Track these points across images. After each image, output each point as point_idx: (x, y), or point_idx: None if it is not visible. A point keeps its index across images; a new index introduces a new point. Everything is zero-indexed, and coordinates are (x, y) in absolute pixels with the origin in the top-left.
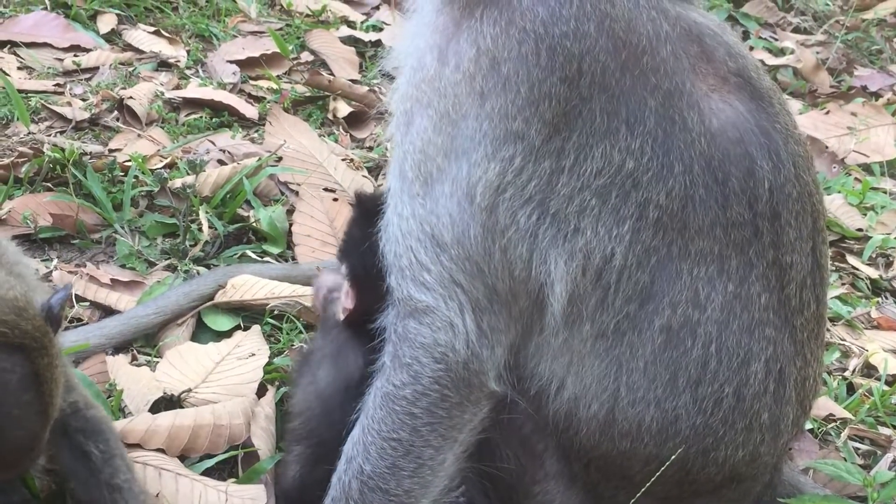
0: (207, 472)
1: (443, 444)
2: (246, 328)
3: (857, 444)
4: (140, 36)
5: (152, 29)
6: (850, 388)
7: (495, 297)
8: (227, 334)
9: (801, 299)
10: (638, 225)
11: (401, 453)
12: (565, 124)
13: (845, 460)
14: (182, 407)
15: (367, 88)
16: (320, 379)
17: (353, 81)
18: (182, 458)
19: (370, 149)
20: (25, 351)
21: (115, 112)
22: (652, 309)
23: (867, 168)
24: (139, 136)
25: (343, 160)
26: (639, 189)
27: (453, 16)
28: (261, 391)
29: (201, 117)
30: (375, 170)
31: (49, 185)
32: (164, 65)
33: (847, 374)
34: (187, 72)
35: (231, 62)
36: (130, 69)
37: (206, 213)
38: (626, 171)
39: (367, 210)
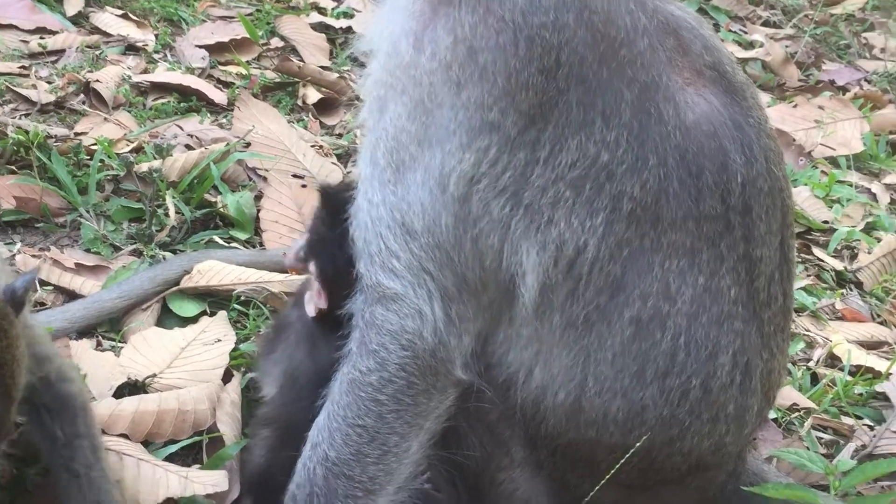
0: (172, 458)
1: (408, 432)
2: (212, 314)
3: (821, 434)
4: (107, 19)
5: (120, 12)
6: (815, 379)
7: (465, 285)
8: (193, 320)
9: (769, 293)
10: (611, 217)
11: (366, 440)
12: (541, 115)
13: (808, 449)
14: (147, 392)
15: (337, 75)
16: (291, 361)
17: (324, 68)
18: (146, 443)
19: (339, 135)
20: None
21: (82, 95)
22: (622, 300)
23: (833, 161)
24: (106, 119)
25: (312, 146)
26: (613, 181)
27: (430, 1)
28: (227, 377)
29: (169, 102)
30: (345, 157)
31: (13, 167)
32: (131, 48)
33: (811, 364)
34: (155, 56)
35: (200, 47)
36: (97, 52)
37: (173, 197)
38: (600, 163)
39: (333, 205)
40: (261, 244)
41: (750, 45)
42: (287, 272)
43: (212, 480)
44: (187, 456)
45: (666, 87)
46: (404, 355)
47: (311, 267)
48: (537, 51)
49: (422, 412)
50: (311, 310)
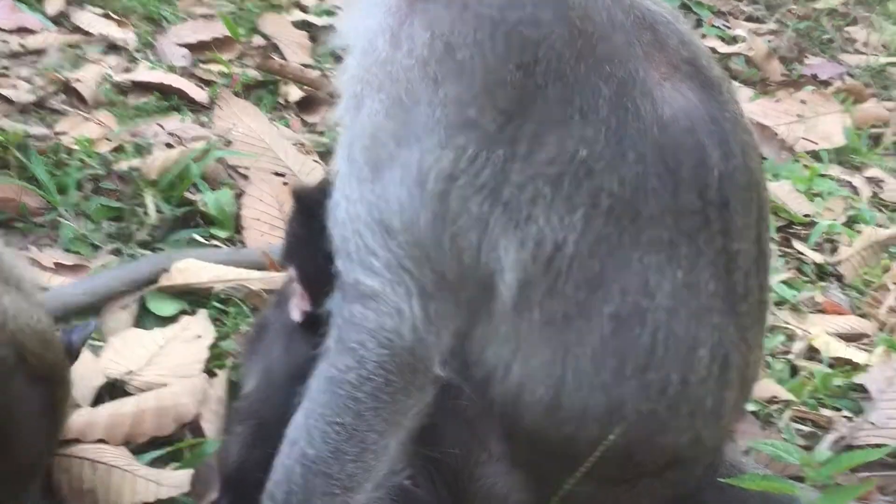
0: (158, 461)
1: (387, 429)
2: (192, 313)
3: (800, 426)
4: (88, 18)
5: (101, 11)
6: (794, 371)
7: (443, 283)
8: (173, 319)
9: (746, 286)
10: (590, 213)
11: (344, 438)
12: (520, 112)
13: (787, 441)
14: (126, 391)
15: (319, 73)
16: (270, 358)
17: (306, 66)
18: (129, 444)
19: (321, 133)
20: (47, 382)
21: (62, 95)
22: (601, 296)
23: (815, 155)
24: (86, 119)
25: (294, 144)
26: (592, 177)
27: None
28: (212, 375)
29: (150, 101)
30: (327, 154)
31: None
32: (112, 47)
33: (791, 356)
34: (136, 55)
35: (181, 45)
36: (78, 52)
37: (153, 196)
38: (578, 159)
39: (308, 206)
40: (241, 242)
41: (733, 40)
42: (267, 269)
43: (175, 482)
44: (176, 459)
45: (643, 83)
46: (383, 353)
47: (291, 270)
48: (515, 47)
49: (400, 410)
50: (296, 315)
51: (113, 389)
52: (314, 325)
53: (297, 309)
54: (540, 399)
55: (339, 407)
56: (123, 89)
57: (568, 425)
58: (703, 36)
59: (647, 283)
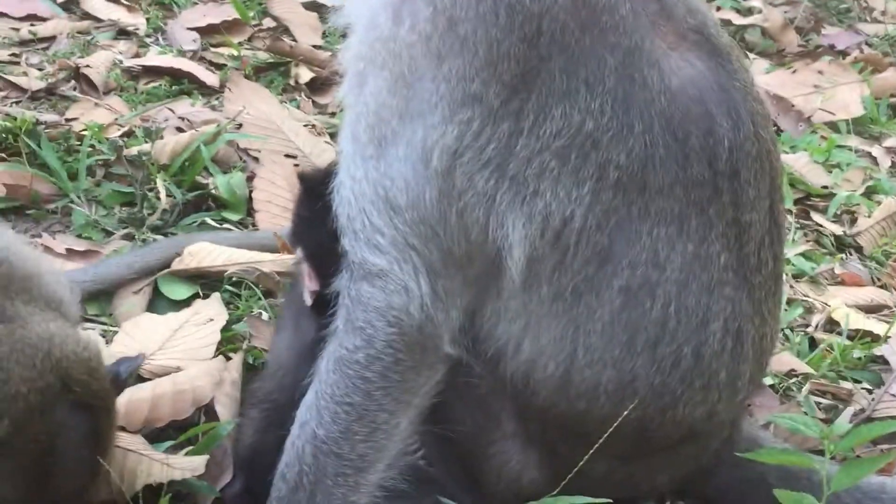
0: (173, 449)
1: (397, 408)
2: (205, 296)
3: (819, 399)
4: (98, 4)
5: None
6: (812, 344)
7: (451, 260)
8: (186, 303)
9: (759, 258)
10: (598, 186)
11: (354, 417)
12: (524, 85)
13: (806, 414)
14: (140, 376)
15: (329, 54)
16: (280, 341)
17: (316, 47)
18: (147, 428)
19: (332, 114)
20: (92, 410)
21: (73, 81)
22: (611, 270)
23: (833, 126)
24: (97, 105)
25: (305, 126)
26: (598, 150)
27: None
28: (227, 359)
29: (160, 85)
30: (338, 136)
31: (2, 155)
32: (122, 33)
33: (809, 329)
34: (146, 39)
35: (191, 29)
36: (88, 38)
37: (164, 180)
38: (585, 131)
39: (313, 188)
40: (253, 225)
41: (748, 12)
42: (279, 251)
43: (191, 465)
44: (191, 443)
45: (650, 52)
46: (391, 332)
47: (299, 252)
48: (518, 19)
49: (410, 388)
50: (307, 297)
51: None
52: (323, 306)
53: (306, 290)
54: (551, 375)
55: (349, 387)
56: (134, 74)
57: (580, 401)
58: (718, 8)
59: (657, 256)
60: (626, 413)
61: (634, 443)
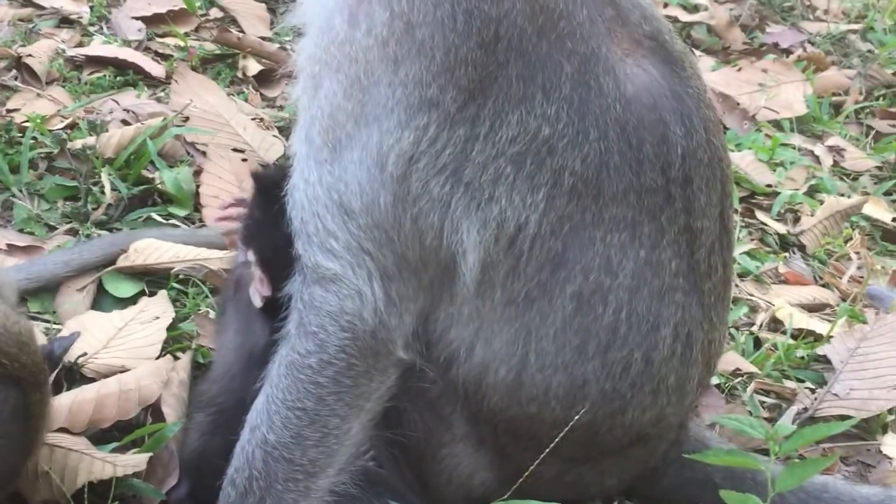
0: (118, 450)
1: (349, 413)
2: (151, 294)
3: (763, 398)
4: None
5: None
6: (757, 343)
7: (405, 265)
8: (132, 301)
9: (709, 264)
10: (553, 192)
11: (306, 423)
12: (481, 91)
13: (751, 414)
14: (83, 376)
15: (277, 46)
16: (226, 343)
17: (264, 39)
18: (91, 430)
19: (281, 108)
20: (21, 384)
21: (14, 71)
22: (563, 276)
23: (777, 124)
24: (39, 95)
25: (253, 119)
26: (554, 156)
27: None
28: (175, 358)
29: (105, 76)
30: (286, 129)
31: None
32: (65, 21)
33: (754, 328)
34: (90, 28)
35: (136, 18)
36: (30, 26)
37: (109, 174)
38: (541, 137)
39: (266, 188)
40: (200, 220)
41: (695, 9)
42: (227, 248)
43: (133, 462)
44: (136, 445)
45: (606, 59)
46: (344, 337)
47: (250, 255)
48: (476, 24)
49: (362, 394)
50: (256, 300)
51: (69, 374)
52: (272, 308)
53: (257, 294)
54: (503, 379)
55: (301, 392)
56: (77, 64)
57: (531, 405)
58: (666, 5)
59: (610, 262)
60: (577, 418)
61: (584, 446)
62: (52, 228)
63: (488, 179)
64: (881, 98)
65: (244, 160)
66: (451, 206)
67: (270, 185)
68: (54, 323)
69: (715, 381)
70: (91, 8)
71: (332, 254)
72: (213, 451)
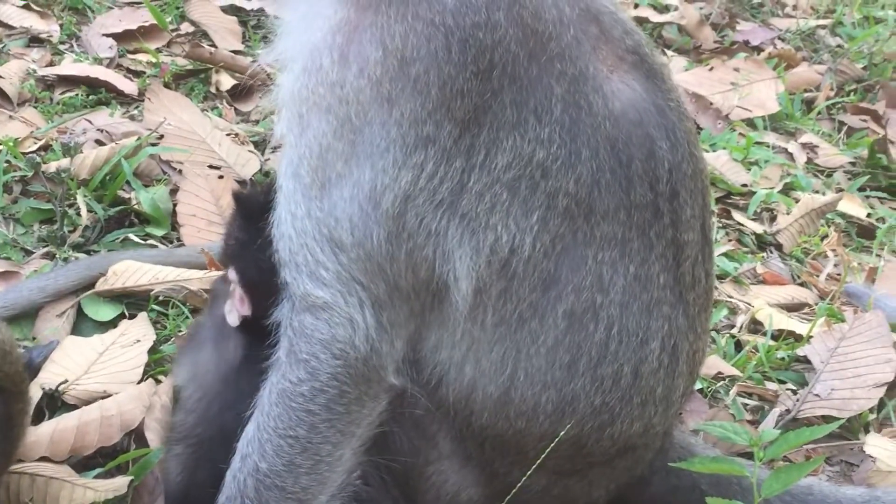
0: (101, 476)
1: (341, 440)
2: (131, 316)
3: (746, 401)
4: (8, 10)
5: (22, 2)
6: (738, 346)
7: (396, 293)
8: (112, 324)
9: (693, 275)
10: (547, 214)
11: (298, 450)
12: (475, 120)
13: (734, 417)
14: (64, 402)
15: (250, 60)
16: (198, 365)
17: (237, 53)
18: (74, 457)
19: (256, 122)
20: (3, 393)
21: None
22: (555, 295)
23: (751, 123)
24: (11, 117)
25: (228, 135)
26: (548, 178)
27: (355, 9)
28: (157, 382)
29: (77, 95)
30: (261, 144)
31: None
32: (35, 40)
33: (734, 331)
34: (61, 47)
35: (107, 35)
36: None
37: (85, 196)
38: (535, 161)
39: (248, 209)
40: (178, 240)
41: (665, 9)
42: (206, 268)
43: (113, 486)
44: (121, 472)
45: (594, 78)
46: (336, 364)
47: (231, 273)
48: (472, 53)
49: (354, 420)
50: (233, 319)
51: (51, 401)
52: (248, 328)
53: (234, 313)
54: (490, 396)
55: (293, 420)
56: (49, 84)
57: (519, 421)
58: (636, 5)
59: (602, 280)
60: (562, 434)
61: (572, 458)
62: (28, 253)
63: (484, 208)
64: (852, 93)
65: (221, 177)
66: (447, 238)
67: (253, 206)
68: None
69: (698, 385)
70: (61, 26)
71: (323, 283)
72: (197, 485)
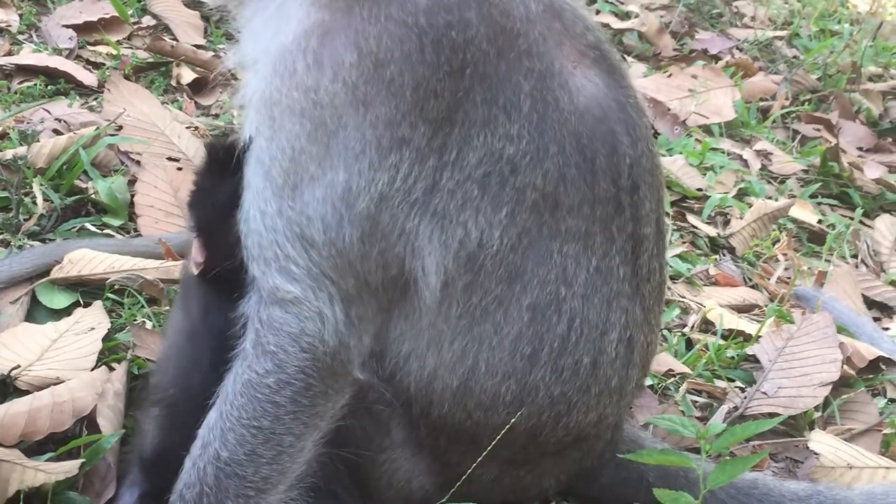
0: (55, 461)
1: (304, 432)
2: (86, 305)
3: (695, 398)
4: None
5: None
6: (689, 344)
7: (365, 289)
8: (66, 312)
9: (649, 268)
10: (515, 209)
11: (261, 441)
12: (447, 119)
13: (683, 413)
14: (17, 388)
15: (212, 54)
16: (171, 325)
17: (198, 47)
18: (25, 442)
19: (216, 116)
20: None
21: None
22: (520, 288)
23: (707, 129)
24: None
25: (187, 128)
26: (517, 174)
27: (329, 11)
28: (110, 369)
29: (36, 85)
30: (221, 138)
31: None
32: None
33: (686, 330)
34: (20, 37)
35: (67, 27)
36: None
37: (41, 185)
38: (506, 157)
39: (219, 160)
40: (135, 230)
41: (626, 16)
42: (163, 258)
43: (64, 469)
44: (72, 457)
45: (559, 74)
46: (304, 357)
47: (189, 219)
48: (445, 53)
49: (318, 413)
50: (192, 267)
51: (2, 387)
52: (210, 283)
53: (193, 261)
54: (450, 386)
55: (258, 410)
56: (7, 73)
57: (477, 411)
58: (598, 12)
59: (566, 273)
60: (517, 420)
61: (525, 448)
62: None
63: (456, 205)
64: (806, 103)
65: (179, 169)
66: (418, 235)
67: (223, 157)
68: None
69: (648, 381)
70: (20, 16)
71: (293, 278)
72: (173, 446)
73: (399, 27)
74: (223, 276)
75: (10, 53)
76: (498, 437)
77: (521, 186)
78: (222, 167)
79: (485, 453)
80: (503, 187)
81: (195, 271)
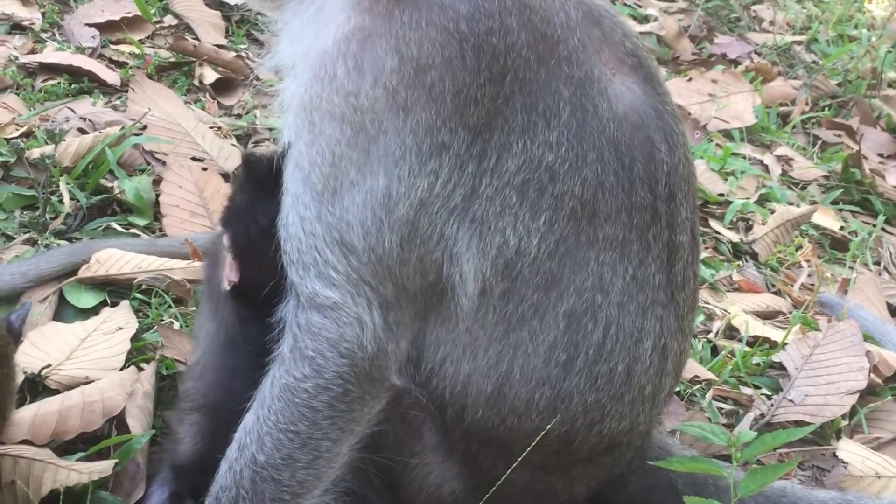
0: (85, 461)
1: (341, 437)
2: (113, 304)
3: (721, 404)
4: None
5: None
6: (714, 350)
7: (404, 294)
8: (94, 311)
9: (684, 276)
10: (553, 216)
11: (297, 445)
12: (487, 126)
13: (710, 420)
14: (46, 387)
15: (234, 54)
16: (201, 332)
17: (220, 47)
18: (55, 442)
19: (238, 116)
20: None
21: None
22: (556, 296)
23: (727, 134)
24: None
25: (211, 128)
26: (555, 181)
27: (369, 16)
28: (139, 369)
29: (59, 83)
30: (244, 138)
31: None
32: (17, 27)
33: (711, 336)
34: (43, 35)
35: (90, 25)
36: None
37: (67, 184)
38: (544, 164)
39: (255, 175)
40: (160, 230)
41: (645, 19)
42: (189, 258)
43: (98, 469)
44: (102, 457)
45: (598, 81)
46: (342, 363)
47: (225, 239)
48: (486, 59)
49: (355, 418)
50: (224, 285)
51: (32, 385)
52: (242, 297)
53: (226, 279)
54: (483, 391)
55: (295, 415)
56: (30, 71)
57: (511, 417)
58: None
59: (602, 280)
60: (551, 427)
61: (557, 454)
62: (9, 238)
63: (495, 212)
64: (826, 108)
65: (204, 169)
66: (457, 242)
67: (260, 172)
68: None
69: (675, 388)
70: (43, 14)
71: (332, 283)
72: (217, 449)
73: (440, 33)
74: (256, 291)
75: (33, 51)
76: (533, 444)
77: (559, 194)
78: (263, 183)
79: (519, 459)
80: (542, 194)
81: (227, 287)
